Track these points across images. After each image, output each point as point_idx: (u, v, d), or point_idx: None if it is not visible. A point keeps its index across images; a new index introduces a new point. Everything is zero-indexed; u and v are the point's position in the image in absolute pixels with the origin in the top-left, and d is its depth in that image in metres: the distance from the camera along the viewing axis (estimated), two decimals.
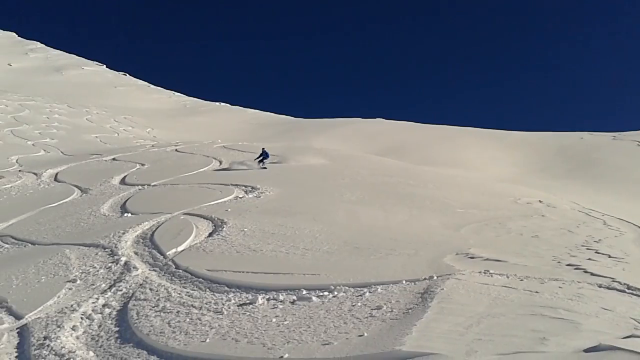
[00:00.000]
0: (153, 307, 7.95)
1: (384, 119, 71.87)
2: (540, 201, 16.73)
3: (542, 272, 8.39)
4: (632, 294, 7.45)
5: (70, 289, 9.21)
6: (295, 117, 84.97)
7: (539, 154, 47.19)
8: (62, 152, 35.78)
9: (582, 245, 10.45)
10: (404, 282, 8.02)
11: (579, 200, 19.84)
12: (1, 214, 16.63)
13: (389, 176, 20.62)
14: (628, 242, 11.35)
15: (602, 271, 8.48)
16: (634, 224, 13.95)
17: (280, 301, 7.65)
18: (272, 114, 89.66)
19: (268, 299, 7.75)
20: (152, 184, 19.61)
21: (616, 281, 7.90)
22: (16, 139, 41.05)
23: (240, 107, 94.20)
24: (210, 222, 12.88)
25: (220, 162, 24.69)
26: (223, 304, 7.77)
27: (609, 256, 9.60)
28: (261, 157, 23.75)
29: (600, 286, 7.77)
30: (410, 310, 6.85)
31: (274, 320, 7.00)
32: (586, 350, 5.34)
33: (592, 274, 8.28)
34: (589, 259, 9.37)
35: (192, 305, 7.88)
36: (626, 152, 45.71)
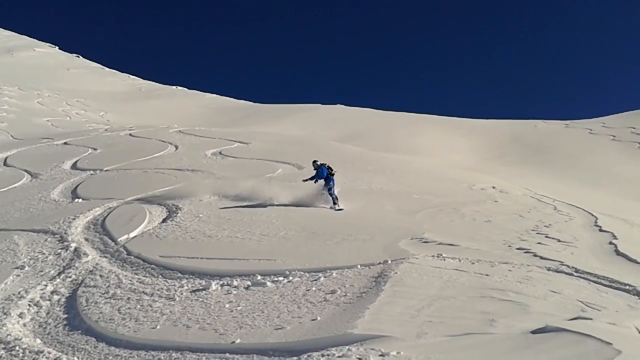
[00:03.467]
0: (103, 293, 7.76)
1: (343, 105, 71.99)
2: (493, 187, 17.07)
3: (493, 256, 8.56)
4: (580, 277, 7.68)
5: (18, 275, 8.92)
6: (254, 102, 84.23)
7: (495, 141, 48.12)
8: (12, 136, 34.58)
9: (533, 230, 10.71)
10: (358, 266, 8.05)
11: (531, 187, 20.35)
12: None
13: (348, 162, 20.67)
14: (577, 227, 11.69)
15: (551, 255, 8.71)
16: (583, 210, 14.37)
17: (235, 287, 7.58)
18: (231, 98, 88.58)
19: (222, 285, 7.67)
20: (105, 168, 19.14)
21: (565, 264, 8.13)
22: None
23: (198, 92, 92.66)
24: (165, 208, 12.65)
25: (176, 147, 24.26)
26: (175, 291, 7.65)
27: (559, 240, 9.86)
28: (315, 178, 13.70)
29: (549, 269, 7.98)
30: (364, 294, 6.88)
31: (227, 305, 6.93)
32: (534, 332, 5.46)
33: (541, 258, 8.50)
34: (539, 243, 9.61)
35: (143, 291, 7.73)
36: (578, 140, 47.10)
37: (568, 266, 8.06)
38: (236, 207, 12.33)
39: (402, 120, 57.60)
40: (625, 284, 7.28)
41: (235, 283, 7.69)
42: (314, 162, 13.71)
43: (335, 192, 12.96)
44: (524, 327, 5.60)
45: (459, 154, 41.92)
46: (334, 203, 12.76)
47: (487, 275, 7.49)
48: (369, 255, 8.74)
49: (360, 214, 11.99)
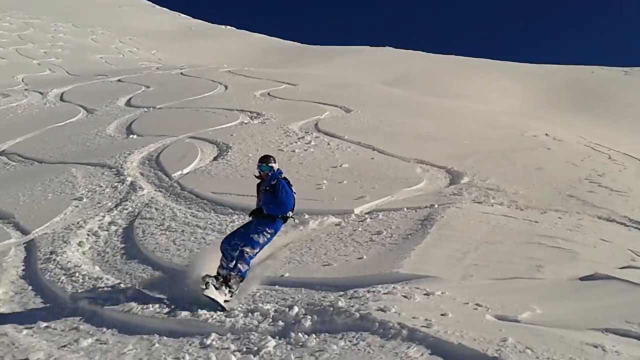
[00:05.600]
0: (158, 225, 8.11)
1: (392, 48, 70.32)
2: (546, 134, 16.60)
3: (543, 203, 8.46)
4: (632, 226, 7.55)
5: (76, 206, 9.37)
6: (302, 43, 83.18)
7: (549, 87, 46.38)
8: (67, 72, 35.42)
9: (585, 179, 10.47)
10: (405, 209, 8.12)
11: (585, 135, 19.70)
12: (8, 132, 16.70)
13: (395, 106, 20.41)
14: (631, 177, 11.35)
15: (603, 204, 8.55)
16: (638, 159, 13.90)
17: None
18: (279, 39, 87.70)
19: None
20: (158, 106, 19.52)
21: (616, 214, 7.99)
22: (21, 57, 40.54)
23: (247, 32, 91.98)
24: (215, 146, 12.91)
25: (226, 87, 24.42)
26: (227, 225, 7.93)
27: (611, 190, 9.63)
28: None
29: (600, 218, 7.87)
30: (409, 236, 6.97)
31: (275, 241, 7.14)
32: (582, 279, 5.46)
33: (593, 206, 8.36)
34: (591, 191, 9.41)
35: (197, 225, 8.04)
36: (637, 88, 44.88)
37: (620, 215, 7.92)
38: (284, 150, 12.45)
39: (452, 64, 56.00)
40: None
41: None
42: (266, 161, 6.24)
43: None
44: (572, 274, 5.60)
45: (512, 100, 40.72)
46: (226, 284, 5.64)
47: (536, 222, 7.45)
48: (415, 198, 8.78)
49: (406, 158, 11.94)
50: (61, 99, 23.14)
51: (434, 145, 13.36)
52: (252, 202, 8.70)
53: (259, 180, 6.28)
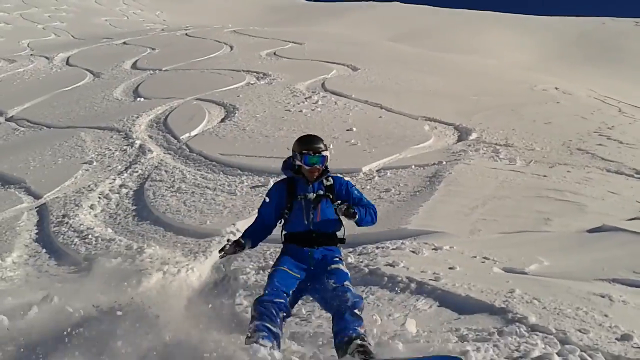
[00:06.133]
0: (168, 187, 8.20)
1: (400, 3, 68.97)
2: (556, 88, 16.41)
3: (552, 157, 8.45)
4: None
5: (87, 170, 9.46)
6: (307, 0, 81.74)
7: (559, 40, 45.54)
8: (72, 36, 35.19)
9: (595, 132, 10.40)
10: (413, 166, 8.14)
11: (596, 88, 19.46)
12: (16, 97, 16.72)
13: (403, 63, 20.18)
14: None
15: (612, 156, 8.53)
16: None
17: None
18: None
19: None
20: (164, 68, 19.42)
21: (625, 166, 7.97)
22: (26, 22, 40.31)
23: None
24: (222, 108, 12.89)
25: (231, 48, 24.19)
26: (236, 186, 8.00)
27: (620, 142, 9.58)
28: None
29: (609, 171, 7.86)
30: (417, 193, 7.02)
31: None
32: (589, 231, 5.50)
33: (602, 159, 8.35)
34: (600, 144, 9.38)
35: (206, 186, 8.12)
36: None
37: (629, 167, 7.90)
38: (291, 110, 12.41)
39: (461, 19, 54.98)
40: None
41: None
42: (317, 149, 3.88)
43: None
44: (579, 226, 5.64)
45: (522, 54, 40.10)
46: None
47: (544, 176, 7.45)
48: (423, 155, 8.79)
49: (414, 116, 11.87)
50: (67, 63, 23.05)
51: (442, 102, 13.26)
52: (261, 163, 8.85)
53: (285, 183, 3.96)
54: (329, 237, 3.86)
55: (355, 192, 3.94)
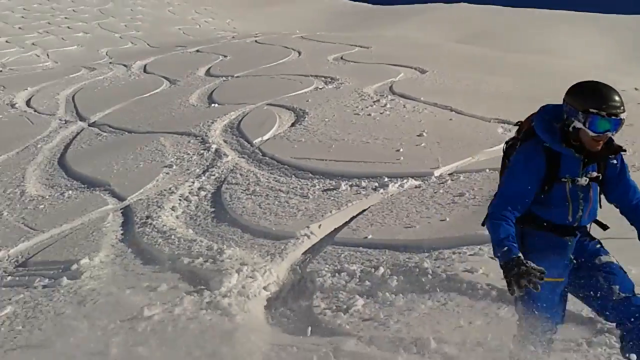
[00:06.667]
0: (244, 190, 8.45)
1: (467, 4, 67.73)
2: (636, 89, 15.69)
3: (634, 160, 8.12)
4: None
5: (167, 173, 9.87)
6: (372, 4, 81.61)
7: (636, 39, 43.45)
8: (148, 44, 36.66)
9: None
10: (487, 170, 8.03)
11: None
12: (97, 104, 17.59)
13: (472, 64, 19.85)
14: None
15: None
16: None
17: (363, 187, 7.91)
18: (349, 1, 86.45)
19: (351, 185, 8.03)
20: (236, 75, 19.95)
21: None
22: (104, 31, 42.29)
23: None
24: (292, 113, 13.13)
25: (299, 53, 24.54)
26: (308, 189, 8.15)
27: None
28: None
29: None
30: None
31: (357, 204, 7.31)
32: None
33: None
34: None
35: (279, 189, 8.31)
36: None
37: None
38: (360, 114, 12.48)
39: (532, 18, 53.36)
40: None
41: (363, 184, 8.02)
42: (621, 111, 2.75)
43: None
44: None
45: (598, 54, 38.51)
46: None
47: None
48: (498, 159, 8.62)
49: (487, 118, 11.68)
50: (145, 70, 24.02)
51: (515, 104, 12.93)
52: (331, 167, 8.99)
53: (543, 152, 2.99)
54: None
55: (629, 176, 2.77)
